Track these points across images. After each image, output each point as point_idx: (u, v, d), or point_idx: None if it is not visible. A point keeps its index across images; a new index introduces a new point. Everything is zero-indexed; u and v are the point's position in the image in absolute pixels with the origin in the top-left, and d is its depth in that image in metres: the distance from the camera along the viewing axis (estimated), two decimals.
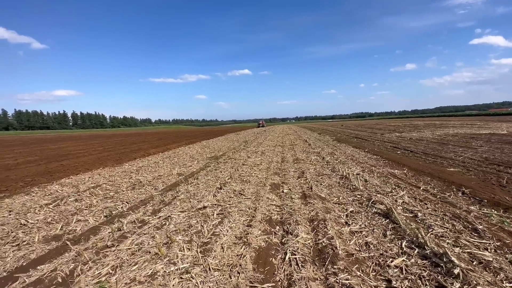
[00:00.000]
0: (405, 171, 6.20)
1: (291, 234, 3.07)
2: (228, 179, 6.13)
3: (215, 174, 6.79)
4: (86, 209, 4.37)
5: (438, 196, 4.24)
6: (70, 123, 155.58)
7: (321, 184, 5.37)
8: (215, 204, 4.29)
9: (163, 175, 6.98)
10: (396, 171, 6.29)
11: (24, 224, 3.73)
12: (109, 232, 3.37)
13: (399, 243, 2.76)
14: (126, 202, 4.68)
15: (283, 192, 4.92)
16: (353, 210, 3.81)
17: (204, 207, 4.16)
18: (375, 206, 3.88)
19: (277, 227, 3.37)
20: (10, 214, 4.19)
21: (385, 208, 3.69)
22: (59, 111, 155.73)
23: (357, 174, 6.04)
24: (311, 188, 4.95)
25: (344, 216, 3.65)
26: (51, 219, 3.93)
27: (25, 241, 3.22)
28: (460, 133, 15.38)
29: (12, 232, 3.47)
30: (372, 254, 2.58)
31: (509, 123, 22.76)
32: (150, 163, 9.12)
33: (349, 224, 3.35)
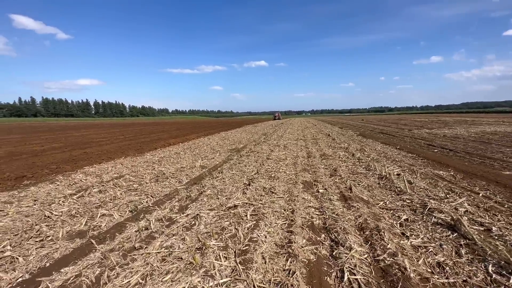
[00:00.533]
0: (451, 173, 5.52)
1: (342, 246, 2.63)
2: (255, 174, 5.75)
3: (239, 168, 6.43)
4: (110, 202, 4.15)
5: (506, 206, 3.61)
6: (93, 112, 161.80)
7: (359, 184, 4.85)
8: (246, 203, 3.91)
9: (185, 167, 6.72)
10: (441, 172, 5.62)
11: (49, 217, 3.54)
12: (135, 231, 3.08)
13: (483, 267, 2.25)
14: (151, 196, 4.42)
15: (318, 192, 4.46)
16: (407, 218, 3.29)
17: (235, 206, 3.79)
18: (434, 214, 3.33)
19: (322, 235, 2.93)
20: (35, 204, 4.05)
21: (448, 219, 3.14)
22: (82, 100, 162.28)
23: (397, 174, 5.45)
24: (350, 189, 4.45)
25: (398, 225, 3.15)
26: (75, 212, 3.73)
27: (49, 236, 3.01)
28: (500, 131, 14.05)
29: (36, 225, 3.28)
30: (452, 280, 2.09)
31: None
32: (172, 154, 8.92)
33: (407, 236, 2.85)
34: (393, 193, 4.34)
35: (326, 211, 3.53)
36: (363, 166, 6.37)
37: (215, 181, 5.28)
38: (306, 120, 49.36)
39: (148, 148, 10.54)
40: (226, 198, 4.19)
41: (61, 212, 3.72)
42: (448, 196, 4.03)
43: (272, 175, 5.64)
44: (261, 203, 3.91)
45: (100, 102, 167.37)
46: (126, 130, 22.77)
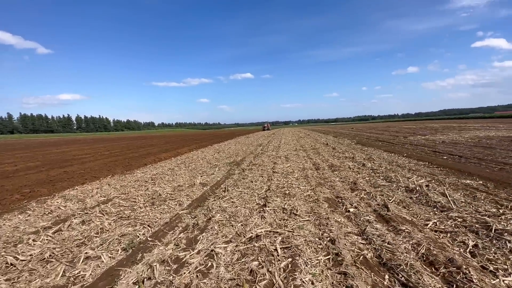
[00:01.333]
0: (480, 182, 5.04)
1: None
2: (266, 191, 5.03)
3: (246, 185, 5.69)
4: (96, 237, 3.28)
5: None
6: (75, 127, 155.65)
7: (389, 200, 4.24)
8: (270, 231, 3.18)
9: (184, 186, 5.90)
10: (468, 181, 5.14)
11: (12, 264, 2.64)
12: (133, 283, 2.27)
13: None
14: (148, 226, 3.59)
15: (348, 211, 3.79)
16: (476, 245, 2.67)
17: (257, 236, 3.05)
18: (505, 237, 2.74)
19: (386, 277, 2.24)
20: None
21: None
22: (63, 115, 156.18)
23: (426, 185, 4.90)
24: (386, 207, 3.81)
25: (469, 254, 2.52)
26: (49, 254, 2.85)
27: None
28: (494, 136, 14.16)
29: None
30: None
31: None
32: (165, 170, 8.04)
33: (494, 272, 2.22)
34: (435, 209, 3.74)
35: (374, 239, 2.86)
36: (381, 177, 5.80)
37: (222, 202, 4.50)
38: (295, 130, 49.28)
39: (137, 164, 9.57)
40: (242, 225, 3.44)
41: (30, 256, 2.82)
42: (502, 211, 3.48)
43: (286, 192, 4.95)
44: (288, 230, 3.19)
45: (83, 117, 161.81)
46: (112, 145, 21.42)
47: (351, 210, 3.81)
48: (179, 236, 3.23)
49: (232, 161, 9.46)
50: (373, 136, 19.21)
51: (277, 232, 3.15)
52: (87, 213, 4.19)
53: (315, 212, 3.80)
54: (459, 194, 4.35)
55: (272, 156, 10.20)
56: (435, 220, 3.34)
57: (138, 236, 3.27)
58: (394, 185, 5.10)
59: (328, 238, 2.92)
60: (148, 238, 3.21)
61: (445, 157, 8.22)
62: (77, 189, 5.98)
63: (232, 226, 3.43)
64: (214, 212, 3.98)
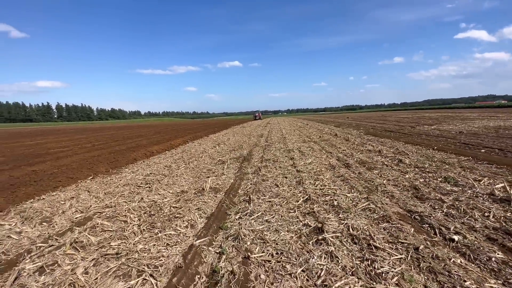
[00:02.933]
0: None
1: None
2: (306, 202, 3.74)
3: (272, 191, 4.37)
4: None
5: None
6: (55, 116, 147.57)
7: (486, 217, 3.05)
8: (359, 286, 1.90)
9: (189, 192, 4.51)
10: None
11: None
12: None
13: None
14: (151, 276, 2.21)
15: (452, 239, 2.56)
16: None
17: None
18: None
19: None
20: None
21: None
22: (42, 103, 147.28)
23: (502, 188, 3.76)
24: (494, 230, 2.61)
25: None
26: None
27: None
28: (502, 126, 13.45)
29: None
30: None
31: None
32: (161, 168, 6.57)
33: None
34: None
35: None
36: (439, 179, 4.63)
37: (252, 222, 3.18)
38: (289, 119, 47.96)
39: (125, 160, 8.01)
40: (304, 271, 2.14)
41: None
42: None
43: (334, 203, 3.67)
44: (383, 282, 1.91)
45: (64, 105, 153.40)
46: (95, 136, 19.37)
47: (455, 237, 2.58)
48: None
49: (238, 156, 8.08)
50: (378, 126, 18.24)
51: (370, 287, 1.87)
52: (52, 246, 2.75)
53: (401, 241, 2.55)
54: None
55: (283, 150, 8.90)
56: None
57: None
58: (470, 192, 3.92)
59: None
60: None
61: (483, 151, 7.19)
62: (44, 198, 4.46)
63: (289, 274, 2.13)
64: (248, 243, 2.64)
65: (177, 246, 2.69)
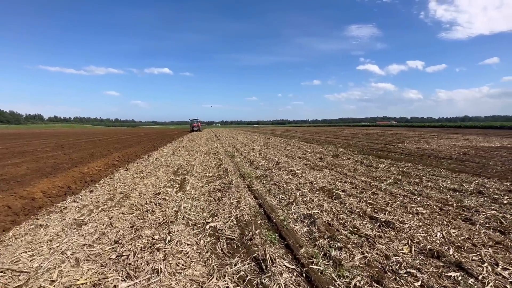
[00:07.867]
0: None
1: None
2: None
3: None
4: None
5: None
6: None
7: None
8: None
9: None
10: None
11: None
12: None
13: None
14: None
15: None
16: None
17: None
18: None
19: None
20: None
21: None
22: None
23: None
24: None
25: None
26: None
27: None
28: (464, 145, 13.61)
29: None
30: None
31: (466, 136, 24.29)
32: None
33: None
34: None
35: None
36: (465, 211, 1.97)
37: None
38: (235, 131, 42.27)
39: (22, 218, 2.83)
40: None
41: None
42: None
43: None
44: None
45: None
46: None
47: None
48: None
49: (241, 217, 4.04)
50: (359, 143, 16.07)
51: None
52: None
53: None
54: None
55: (296, 184, 5.32)
56: None
57: None
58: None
59: None
60: None
61: (499, 168, 5.43)
62: None
63: None
64: None
65: None
